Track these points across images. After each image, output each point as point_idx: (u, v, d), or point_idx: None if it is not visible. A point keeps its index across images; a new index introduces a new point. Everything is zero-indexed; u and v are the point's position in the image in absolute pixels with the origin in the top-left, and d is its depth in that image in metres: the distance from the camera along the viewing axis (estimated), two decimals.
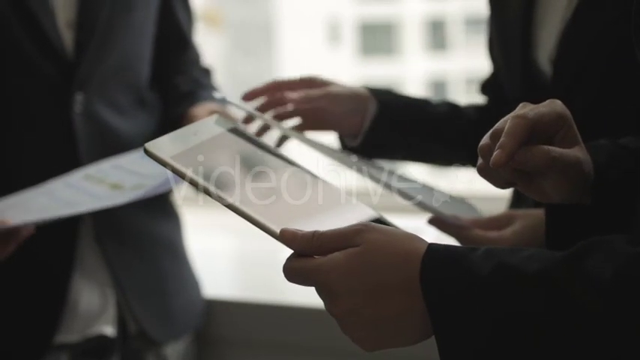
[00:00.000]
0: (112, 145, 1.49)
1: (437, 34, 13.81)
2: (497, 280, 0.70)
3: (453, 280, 0.71)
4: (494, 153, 0.79)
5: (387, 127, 1.30)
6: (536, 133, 0.81)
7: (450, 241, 1.16)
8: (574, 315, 0.69)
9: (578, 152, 0.84)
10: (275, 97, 1.27)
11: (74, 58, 1.46)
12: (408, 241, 0.74)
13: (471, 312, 0.70)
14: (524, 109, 0.83)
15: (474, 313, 0.70)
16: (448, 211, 1.19)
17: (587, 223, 0.88)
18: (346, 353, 1.34)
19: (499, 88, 1.35)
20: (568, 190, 0.85)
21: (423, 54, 13.83)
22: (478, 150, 0.83)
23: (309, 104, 1.26)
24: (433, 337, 0.72)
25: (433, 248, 0.74)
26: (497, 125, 0.82)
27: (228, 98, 1.30)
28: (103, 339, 1.49)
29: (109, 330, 1.49)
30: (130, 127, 1.53)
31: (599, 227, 0.87)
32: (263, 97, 1.28)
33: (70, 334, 1.47)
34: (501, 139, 0.79)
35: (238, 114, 1.35)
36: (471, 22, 13.31)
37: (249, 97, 1.28)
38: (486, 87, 1.42)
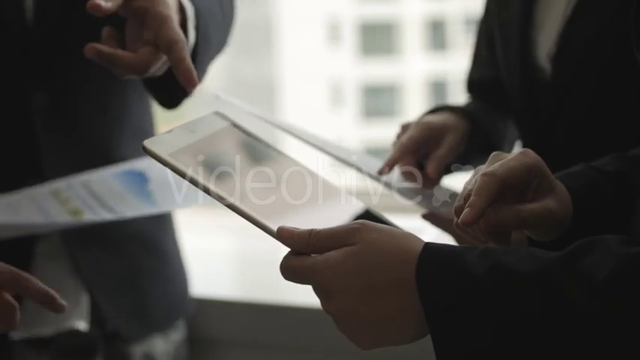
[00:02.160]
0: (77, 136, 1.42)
1: (437, 34, 13.83)
2: (492, 280, 0.71)
3: (448, 279, 0.71)
4: (464, 211, 0.78)
5: (479, 145, 1.27)
6: (507, 187, 0.80)
7: (449, 239, 1.16)
8: (569, 315, 0.69)
9: (550, 202, 0.82)
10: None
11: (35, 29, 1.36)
12: (404, 240, 0.75)
13: (466, 311, 0.70)
14: (493, 163, 0.81)
15: (469, 313, 0.70)
16: (448, 210, 1.18)
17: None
18: (345, 353, 1.33)
19: (486, 86, 1.36)
20: (542, 236, 0.85)
21: (423, 54, 13.85)
22: (454, 211, 0.81)
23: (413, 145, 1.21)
24: (429, 335, 0.72)
25: (429, 247, 0.74)
26: (467, 185, 0.82)
27: (226, 97, 1.28)
28: (76, 334, 1.46)
29: (81, 325, 1.46)
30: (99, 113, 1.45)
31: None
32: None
33: (42, 327, 1.44)
34: (471, 198, 0.78)
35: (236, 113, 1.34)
36: (471, 22, 13.32)
37: (386, 170, 1.18)
38: (472, 85, 1.42)
